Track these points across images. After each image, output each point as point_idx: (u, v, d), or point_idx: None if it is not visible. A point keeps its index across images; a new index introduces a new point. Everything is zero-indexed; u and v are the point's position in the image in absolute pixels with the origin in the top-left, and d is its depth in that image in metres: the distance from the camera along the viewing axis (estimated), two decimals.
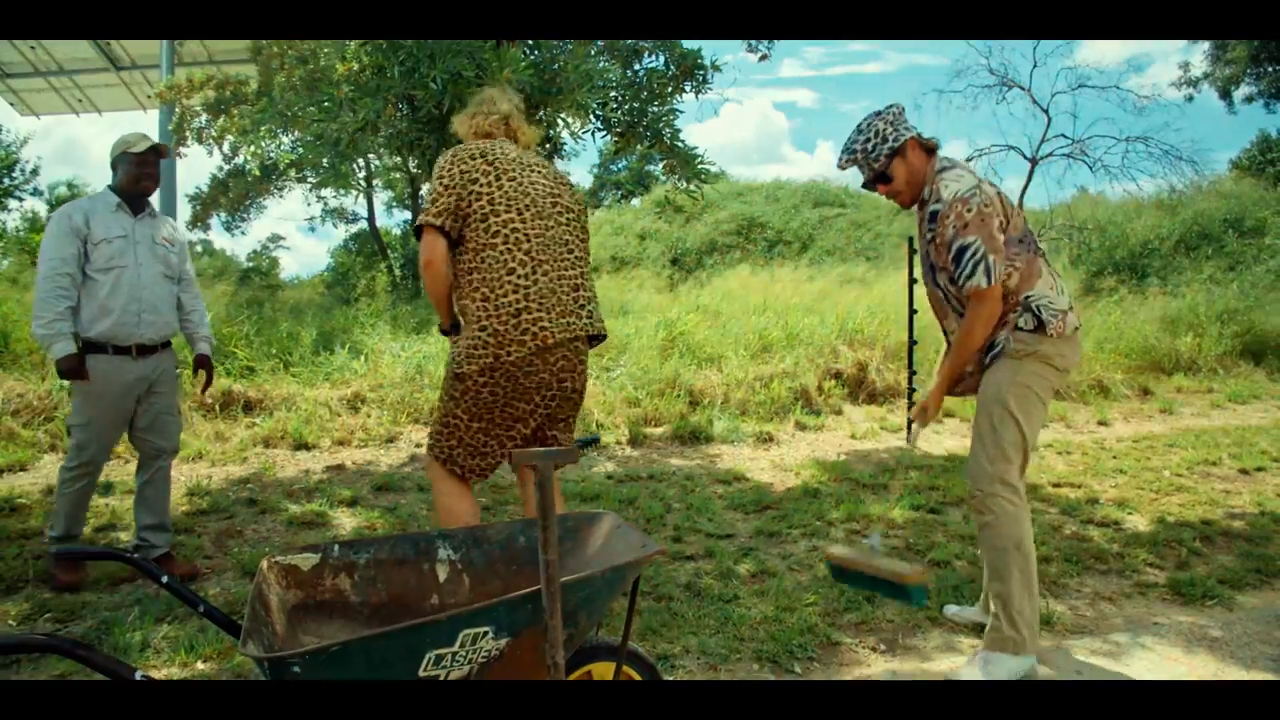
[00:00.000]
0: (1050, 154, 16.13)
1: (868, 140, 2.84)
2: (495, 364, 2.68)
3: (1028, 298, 2.77)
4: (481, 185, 2.76)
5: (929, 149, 2.89)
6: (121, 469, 5.22)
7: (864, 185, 2.98)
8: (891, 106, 2.91)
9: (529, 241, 2.74)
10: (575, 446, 3.01)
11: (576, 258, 2.88)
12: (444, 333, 3.00)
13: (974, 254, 2.68)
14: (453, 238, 2.78)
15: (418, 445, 6.12)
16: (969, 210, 2.68)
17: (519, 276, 2.71)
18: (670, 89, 5.80)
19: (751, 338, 8.73)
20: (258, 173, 15.14)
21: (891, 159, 2.84)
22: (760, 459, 6.09)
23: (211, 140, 13.78)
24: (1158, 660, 3.02)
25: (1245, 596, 3.66)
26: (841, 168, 2.95)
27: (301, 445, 5.94)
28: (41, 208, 24.25)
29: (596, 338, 2.96)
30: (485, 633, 1.69)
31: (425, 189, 19.35)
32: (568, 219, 2.90)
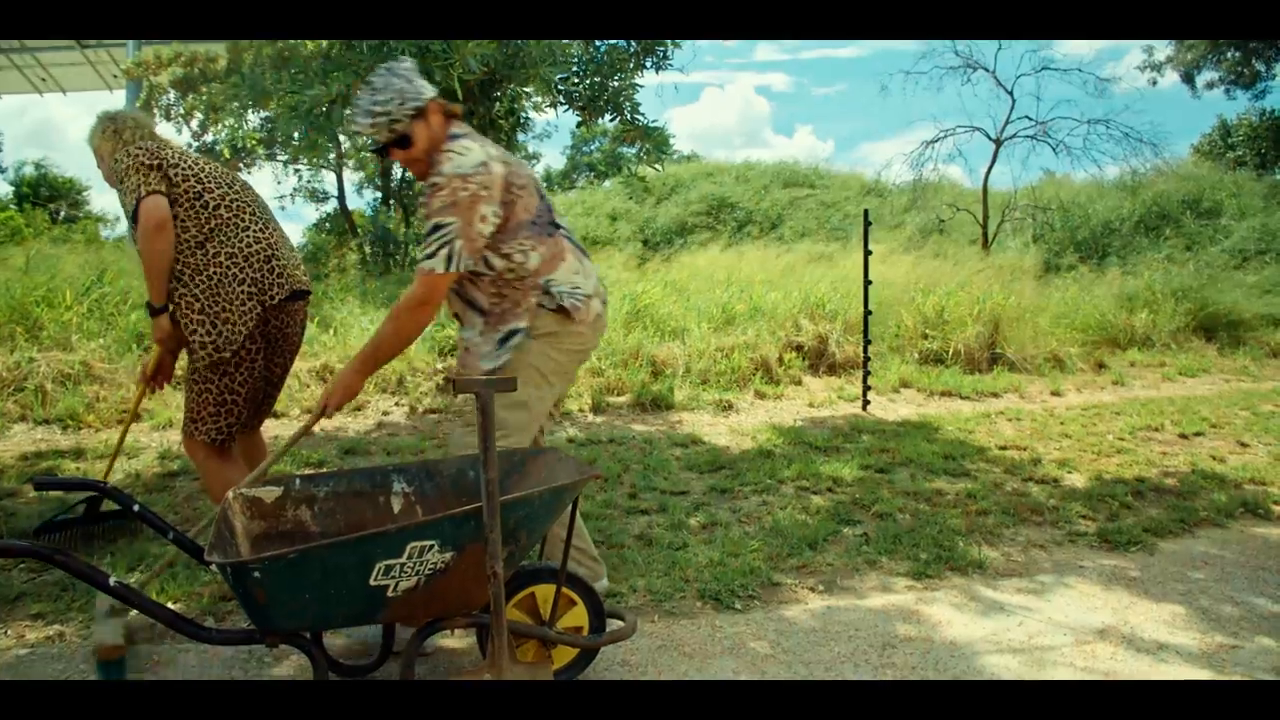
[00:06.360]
0: (1014, 135, 16.39)
1: (389, 99, 2.49)
2: (263, 313, 2.83)
3: (548, 281, 2.59)
4: (184, 167, 2.86)
5: (450, 114, 2.61)
6: (92, 437, 5.32)
7: (374, 151, 2.65)
8: (401, 60, 2.60)
9: (249, 206, 2.95)
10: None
11: (277, 223, 3.10)
12: (154, 312, 2.90)
13: (444, 235, 2.41)
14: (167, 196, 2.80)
15: (385, 413, 6.25)
16: (465, 190, 2.41)
17: (258, 229, 2.89)
18: (631, 65, 5.93)
19: (715, 311, 8.89)
20: (228, 155, 15.11)
21: (414, 120, 2.52)
22: (719, 425, 6.27)
23: (180, 118, 13.75)
24: (1077, 597, 3.23)
25: (1167, 543, 3.88)
26: (361, 134, 2.63)
27: (271, 414, 6.05)
28: (4, 186, 23.96)
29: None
30: (431, 545, 1.85)
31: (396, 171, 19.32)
32: (255, 193, 3.11)
